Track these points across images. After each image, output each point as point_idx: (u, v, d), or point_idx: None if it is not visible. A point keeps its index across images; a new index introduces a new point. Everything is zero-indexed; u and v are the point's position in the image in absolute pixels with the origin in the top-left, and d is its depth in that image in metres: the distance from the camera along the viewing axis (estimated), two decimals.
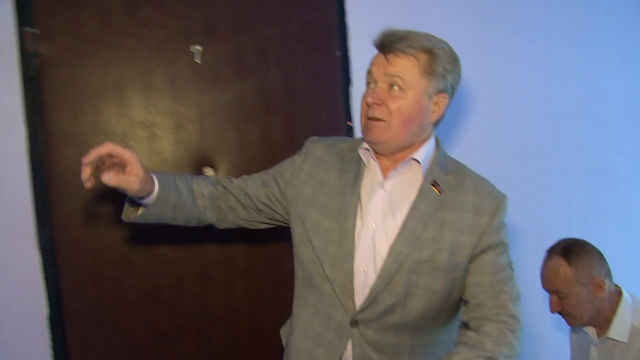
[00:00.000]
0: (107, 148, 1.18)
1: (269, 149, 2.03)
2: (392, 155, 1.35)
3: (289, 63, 2.05)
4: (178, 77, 1.95)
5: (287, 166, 1.48)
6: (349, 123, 2.10)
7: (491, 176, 1.39)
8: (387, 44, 1.29)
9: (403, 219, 1.31)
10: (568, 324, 1.71)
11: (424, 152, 1.35)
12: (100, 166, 1.20)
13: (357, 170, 1.38)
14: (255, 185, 1.46)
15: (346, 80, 2.10)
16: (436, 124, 1.38)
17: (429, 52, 1.28)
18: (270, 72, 2.03)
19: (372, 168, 1.38)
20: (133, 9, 1.91)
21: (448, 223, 1.31)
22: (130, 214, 1.34)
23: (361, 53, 2.10)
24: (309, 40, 2.07)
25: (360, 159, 1.38)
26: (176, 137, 1.96)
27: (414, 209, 1.31)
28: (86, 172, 1.17)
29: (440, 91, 1.32)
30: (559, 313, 1.70)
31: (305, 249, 1.39)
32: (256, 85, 2.01)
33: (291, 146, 2.04)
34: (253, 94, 2.01)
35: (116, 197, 1.87)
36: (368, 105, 1.31)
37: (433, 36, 1.32)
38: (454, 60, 1.33)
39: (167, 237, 1.97)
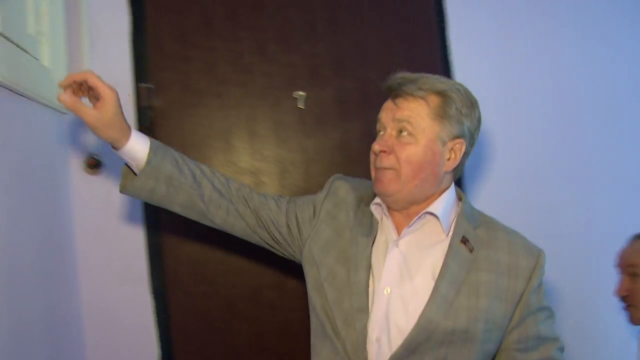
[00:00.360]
0: (83, 75, 1.12)
1: None
2: (405, 209, 1.24)
3: None
4: (282, 123, 1.97)
5: (309, 202, 1.36)
6: None
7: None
8: (395, 87, 1.21)
9: (423, 282, 1.17)
10: (630, 320, 1.49)
11: (442, 205, 1.22)
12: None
13: (371, 223, 1.27)
14: (278, 211, 1.34)
15: None
16: (455, 173, 1.25)
17: (441, 94, 1.19)
18: (374, 114, 1.94)
19: (385, 225, 1.26)
20: (238, 59, 1.96)
21: (483, 287, 1.17)
22: (125, 184, 1.25)
23: None
24: None
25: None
26: (281, 182, 1.96)
27: (445, 269, 1.17)
28: (65, 93, 1.12)
29: (456, 137, 1.21)
30: (623, 302, 1.49)
31: (319, 297, 1.27)
32: (360, 128, 1.98)
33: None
34: (357, 137, 1.98)
35: (225, 244, 1.90)
36: (375, 154, 1.22)
37: (446, 78, 1.23)
38: (471, 103, 1.22)
39: (273, 283, 1.96)
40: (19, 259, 1.38)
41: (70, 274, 1.81)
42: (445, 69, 2.03)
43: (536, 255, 1.22)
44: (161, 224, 1.92)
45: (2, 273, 1.28)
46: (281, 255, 1.41)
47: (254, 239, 1.37)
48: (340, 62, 1.98)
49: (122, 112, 1.17)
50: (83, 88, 1.14)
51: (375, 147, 1.21)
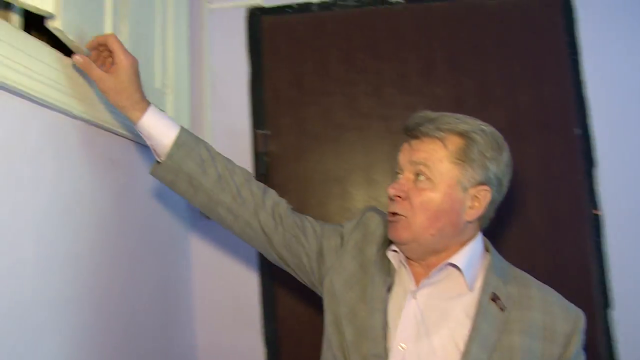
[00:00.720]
0: (105, 38, 1.09)
1: (503, 242, 1.82)
2: (422, 259, 1.13)
3: (519, 147, 1.83)
4: None
5: (336, 232, 1.26)
6: (595, 212, 1.79)
7: None
8: (412, 127, 1.11)
9: (441, 343, 1.04)
10: None
11: (465, 257, 1.10)
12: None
13: (389, 268, 1.17)
14: (314, 235, 1.24)
15: (589, 162, 1.82)
16: (481, 222, 1.13)
17: (462, 135, 1.08)
18: None
19: (403, 274, 1.15)
20: (354, 103, 1.93)
21: (517, 353, 1.02)
22: (152, 169, 1.22)
23: (606, 129, 1.82)
24: (540, 119, 1.86)
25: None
26: None
27: (475, 331, 1.03)
28: (87, 55, 1.08)
29: (480, 183, 1.08)
30: None
31: (337, 334, 1.16)
32: None
33: (526, 238, 1.82)
34: None
35: None
36: (390, 198, 1.12)
37: (471, 118, 1.09)
38: (497, 146, 1.10)
39: None
40: (139, 301, 1.41)
41: (187, 317, 1.84)
42: (579, 106, 1.85)
43: (574, 318, 1.08)
44: (275, 271, 1.90)
45: (124, 316, 1.31)
46: (302, 282, 1.32)
47: (271, 256, 1.28)
48: (461, 103, 1.88)
49: (136, 83, 1.13)
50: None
51: (390, 191, 1.12)
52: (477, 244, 1.14)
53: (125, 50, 1.10)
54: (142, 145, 1.47)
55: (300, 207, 1.89)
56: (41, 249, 0.99)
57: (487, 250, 1.17)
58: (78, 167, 1.14)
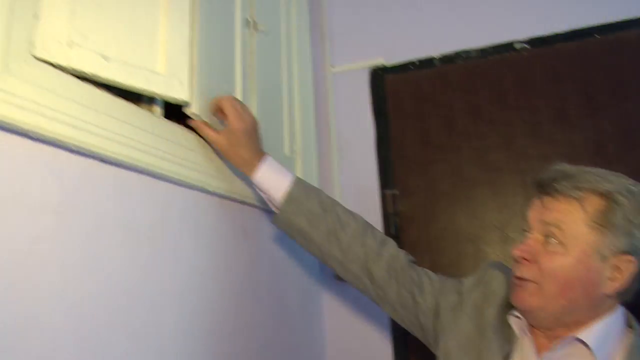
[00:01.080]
0: (221, 101, 1.15)
1: None
2: (548, 329, 0.99)
3: None
4: None
5: (453, 288, 1.18)
6: None
7: None
8: (546, 183, 0.99)
9: None
10: None
11: (598, 333, 0.95)
12: None
13: (509, 334, 1.05)
14: (432, 291, 1.19)
15: None
16: (623, 296, 0.97)
17: (604, 196, 0.94)
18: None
19: (524, 342, 1.03)
20: (484, 157, 1.86)
21: None
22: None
23: None
24: None
25: None
26: None
27: None
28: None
29: (624, 252, 0.93)
30: None
31: None
32: None
33: None
34: None
35: None
36: (515, 260, 1.00)
37: (616, 175, 0.97)
38: None
39: None
40: None
41: None
42: None
43: None
44: (408, 334, 1.84)
45: None
46: (419, 338, 1.25)
47: (387, 311, 1.27)
48: (601, 149, 1.72)
49: (247, 145, 1.19)
50: None
51: (516, 252, 1.00)
52: (615, 319, 0.98)
53: (238, 113, 1.17)
54: (271, 212, 1.52)
55: (432, 268, 1.78)
56: (182, 321, 1.05)
57: (630, 327, 1.01)
58: (214, 240, 1.21)
